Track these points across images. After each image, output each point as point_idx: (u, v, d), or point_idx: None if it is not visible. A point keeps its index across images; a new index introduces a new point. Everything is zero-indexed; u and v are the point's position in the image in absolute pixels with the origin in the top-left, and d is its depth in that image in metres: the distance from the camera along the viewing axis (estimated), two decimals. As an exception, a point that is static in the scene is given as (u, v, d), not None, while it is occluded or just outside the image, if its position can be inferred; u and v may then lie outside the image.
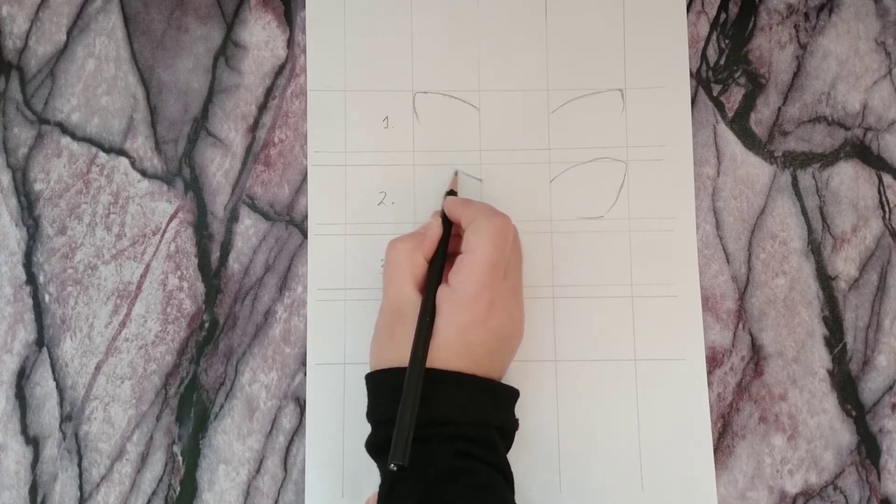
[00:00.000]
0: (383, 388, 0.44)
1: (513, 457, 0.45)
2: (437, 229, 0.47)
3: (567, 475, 0.51)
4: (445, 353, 0.43)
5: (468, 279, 0.44)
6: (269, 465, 0.51)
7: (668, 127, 0.54)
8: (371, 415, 0.45)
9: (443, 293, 0.44)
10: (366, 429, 0.44)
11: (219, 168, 0.54)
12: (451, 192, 0.51)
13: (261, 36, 0.55)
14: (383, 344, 0.45)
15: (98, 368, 0.52)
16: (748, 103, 0.55)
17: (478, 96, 0.54)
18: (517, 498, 0.43)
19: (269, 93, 0.54)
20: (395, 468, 0.40)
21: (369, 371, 0.46)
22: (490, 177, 0.53)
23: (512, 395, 0.46)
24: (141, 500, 0.51)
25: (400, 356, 0.44)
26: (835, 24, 0.55)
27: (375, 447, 0.44)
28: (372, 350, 0.46)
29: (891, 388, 0.52)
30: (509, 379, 0.47)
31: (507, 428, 0.45)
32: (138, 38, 0.55)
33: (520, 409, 0.47)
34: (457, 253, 0.46)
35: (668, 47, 0.55)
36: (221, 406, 0.52)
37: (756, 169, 0.54)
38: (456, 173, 0.53)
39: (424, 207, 0.53)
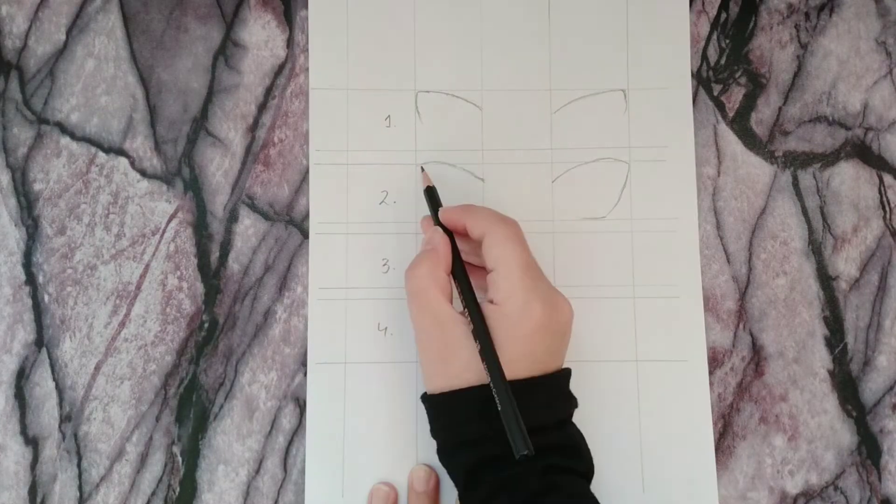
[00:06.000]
0: (460, 409, 0.44)
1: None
2: (446, 240, 0.46)
3: (568, 475, 0.51)
4: (513, 368, 0.42)
5: (513, 293, 0.43)
6: (269, 465, 0.51)
7: (670, 128, 0.54)
8: (454, 437, 0.44)
9: (492, 313, 0.43)
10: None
11: (218, 168, 0.54)
12: (429, 189, 0.50)
13: (260, 35, 0.55)
14: (439, 370, 0.44)
15: (97, 369, 0.52)
16: (749, 103, 0.55)
17: (480, 96, 0.54)
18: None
19: (268, 92, 0.54)
20: (521, 457, 0.40)
21: (429, 394, 0.45)
22: (492, 176, 0.53)
23: (568, 375, 0.46)
24: (140, 501, 0.51)
25: (461, 377, 0.43)
26: (835, 23, 0.55)
27: (473, 469, 0.43)
28: (427, 378, 0.45)
29: (891, 388, 0.52)
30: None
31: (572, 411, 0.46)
32: (138, 38, 0.55)
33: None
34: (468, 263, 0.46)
35: (671, 48, 0.54)
36: (221, 406, 0.52)
37: (756, 169, 0.54)
38: (423, 169, 0.53)
39: (426, 207, 0.52)
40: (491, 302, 0.44)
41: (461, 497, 0.44)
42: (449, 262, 0.46)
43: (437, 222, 0.48)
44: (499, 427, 0.41)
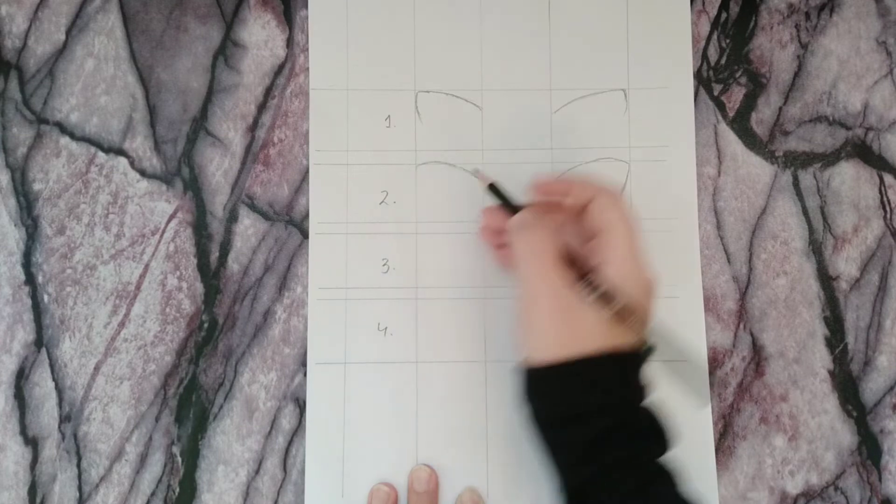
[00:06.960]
0: (590, 377, 0.41)
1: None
2: (548, 210, 0.46)
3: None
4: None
5: (629, 256, 0.43)
6: (269, 465, 0.51)
7: (670, 128, 0.54)
8: (577, 408, 0.41)
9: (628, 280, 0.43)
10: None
11: (218, 168, 0.54)
12: (492, 185, 0.49)
13: (260, 35, 0.55)
14: (560, 335, 0.42)
15: (97, 369, 0.52)
16: (749, 103, 0.55)
17: (480, 95, 0.54)
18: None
19: (268, 92, 0.54)
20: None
21: (547, 364, 0.42)
22: (492, 176, 0.53)
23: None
24: (140, 501, 0.51)
25: (588, 341, 0.41)
26: (836, 23, 0.55)
27: (596, 438, 0.41)
28: (537, 347, 0.42)
29: (892, 388, 0.52)
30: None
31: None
32: (137, 38, 0.55)
33: (521, 410, 0.47)
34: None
35: (672, 48, 0.54)
36: (220, 407, 0.52)
37: (757, 169, 0.54)
38: (478, 171, 0.51)
39: (426, 207, 0.52)
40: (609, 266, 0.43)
41: (568, 470, 0.42)
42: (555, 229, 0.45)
43: (512, 212, 0.47)
44: (627, 396, 0.41)
